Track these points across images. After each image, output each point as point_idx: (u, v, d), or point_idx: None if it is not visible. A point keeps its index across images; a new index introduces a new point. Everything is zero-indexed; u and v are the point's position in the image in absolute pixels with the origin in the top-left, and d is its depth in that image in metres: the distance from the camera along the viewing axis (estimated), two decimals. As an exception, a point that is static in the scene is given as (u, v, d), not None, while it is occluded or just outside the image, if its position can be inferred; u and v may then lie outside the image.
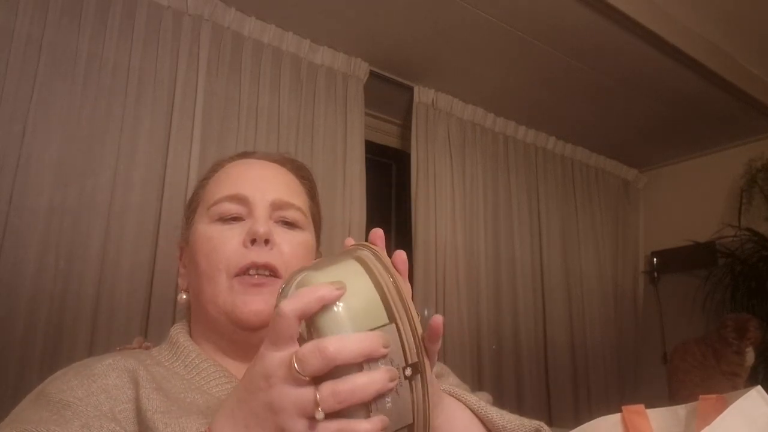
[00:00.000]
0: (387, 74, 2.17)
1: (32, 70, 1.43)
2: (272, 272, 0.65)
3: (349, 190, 1.95)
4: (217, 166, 0.76)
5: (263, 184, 0.70)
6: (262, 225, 0.65)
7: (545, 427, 0.58)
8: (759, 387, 0.52)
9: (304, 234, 0.71)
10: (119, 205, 1.50)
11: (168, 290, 1.51)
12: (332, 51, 2.00)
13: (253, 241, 0.65)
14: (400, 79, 2.20)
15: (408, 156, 2.23)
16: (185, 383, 0.62)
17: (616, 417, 0.62)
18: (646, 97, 2.33)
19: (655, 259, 2.90)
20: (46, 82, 1.44)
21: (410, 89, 2.24)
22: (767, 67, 2.28)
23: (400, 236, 2.38)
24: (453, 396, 0.57)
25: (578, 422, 0.66)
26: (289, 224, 0.69)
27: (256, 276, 0.64)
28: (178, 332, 0.69)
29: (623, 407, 0.62)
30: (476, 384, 2.13)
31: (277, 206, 0.69)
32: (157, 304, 1.51)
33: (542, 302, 2.48)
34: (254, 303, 0.63)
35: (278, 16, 1.84)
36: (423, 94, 2.24)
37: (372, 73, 2.11)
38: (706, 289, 2.56)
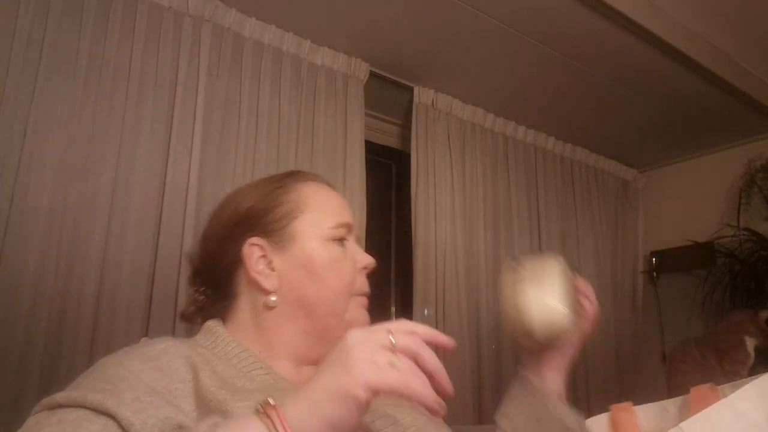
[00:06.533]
0: (387, 74, 2.17)
1: (33, 71, 1.43)
2: None
3: (349, 190, 1.95)
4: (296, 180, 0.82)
5: None
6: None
7: None
8: None
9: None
10: (120, 206, 1.51)
11: (169, 291, 1.52)
12: (332, 51, 2.00)
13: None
14: (400, 80, 2.20)
15: (408, 156, 2.23)
16: (233, 369, 0.64)
17: (604, 416, 0.63)
18: (645, 97, 2.34)
19: (654, 259, 2.90)
20: (47, 82, 1.44)
21: (410, 89, 2.24)
22: (767, 68, 2.28)
23: (400, 236, 2.38)
24: None
25: (578, 422, 0.66)
26: None
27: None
28: (217, 325, 0.72)
29: (611, 406, 0.62)
30: (476, 384, 2.14)
31: None
32: (157, 304, 1.51)
33: (542, 302, 2.48)
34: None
35: (278, 17, 1.84)
36: (423, 95, 2.25)
37: (372, 74, 2.11)
38: (705, 289, 2.56)
